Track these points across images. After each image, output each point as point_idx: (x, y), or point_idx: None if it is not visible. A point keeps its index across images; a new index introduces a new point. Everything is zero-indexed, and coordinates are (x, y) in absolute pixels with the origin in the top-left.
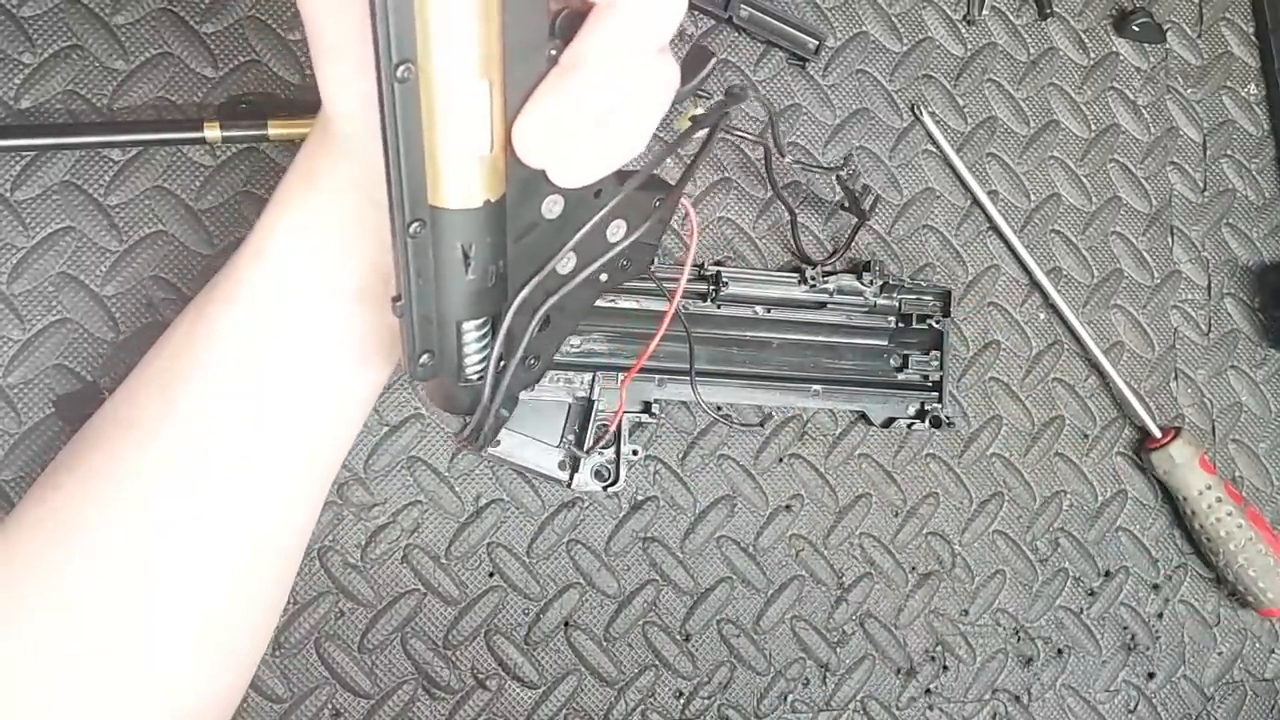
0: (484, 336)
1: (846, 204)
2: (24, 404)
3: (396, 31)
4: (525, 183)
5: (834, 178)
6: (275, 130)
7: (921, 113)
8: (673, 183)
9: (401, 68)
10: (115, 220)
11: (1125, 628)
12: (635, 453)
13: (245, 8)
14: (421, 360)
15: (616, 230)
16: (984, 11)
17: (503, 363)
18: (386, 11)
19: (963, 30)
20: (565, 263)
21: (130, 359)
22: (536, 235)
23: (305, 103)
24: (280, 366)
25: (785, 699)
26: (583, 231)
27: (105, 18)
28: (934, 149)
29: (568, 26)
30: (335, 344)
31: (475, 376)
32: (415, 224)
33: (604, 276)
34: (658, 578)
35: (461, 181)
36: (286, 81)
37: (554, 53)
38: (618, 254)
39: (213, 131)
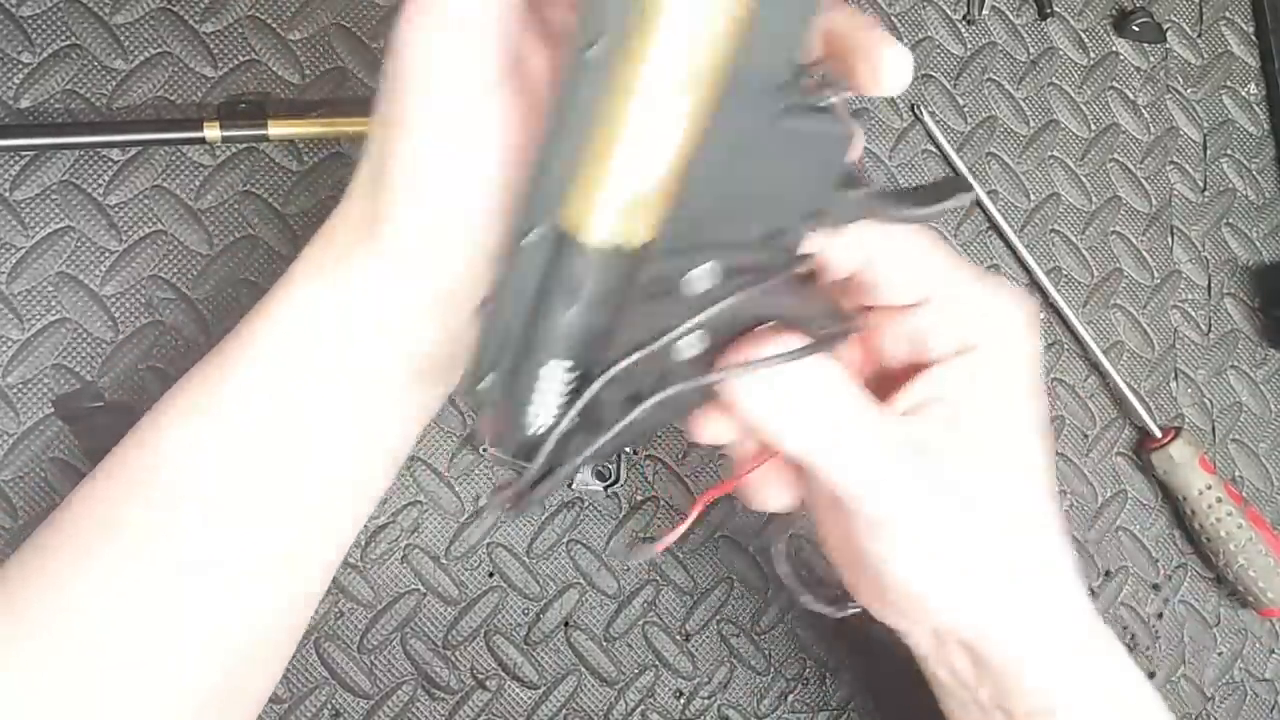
0: (567, 387)
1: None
2: (23, 404)
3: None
4: (680, 238)
5: None
6: (275, 130)
7: (921, 113)
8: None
9: (600, 43)
10: (115, 220)
11: (1125, 628)
12: (635, 452)
13: (245, 8)
14: (484, 382)
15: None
16: (984, 11)
17: (571, 429)
18: None
19: (963, 30)
20: (690, 347)
21: (130, 359)
22: (667, 305)
23: (305, 102)
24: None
25: (785, 699)
26: (716, 309)
27: (105, 17)
28: (934, 149)
29: (822, 82)
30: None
31: (534, 429)
32: (535, 232)
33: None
34: (657, 578)
35: (608, 209)
36: (286, 81)
37: (787, 106)
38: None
39: (212, 131)
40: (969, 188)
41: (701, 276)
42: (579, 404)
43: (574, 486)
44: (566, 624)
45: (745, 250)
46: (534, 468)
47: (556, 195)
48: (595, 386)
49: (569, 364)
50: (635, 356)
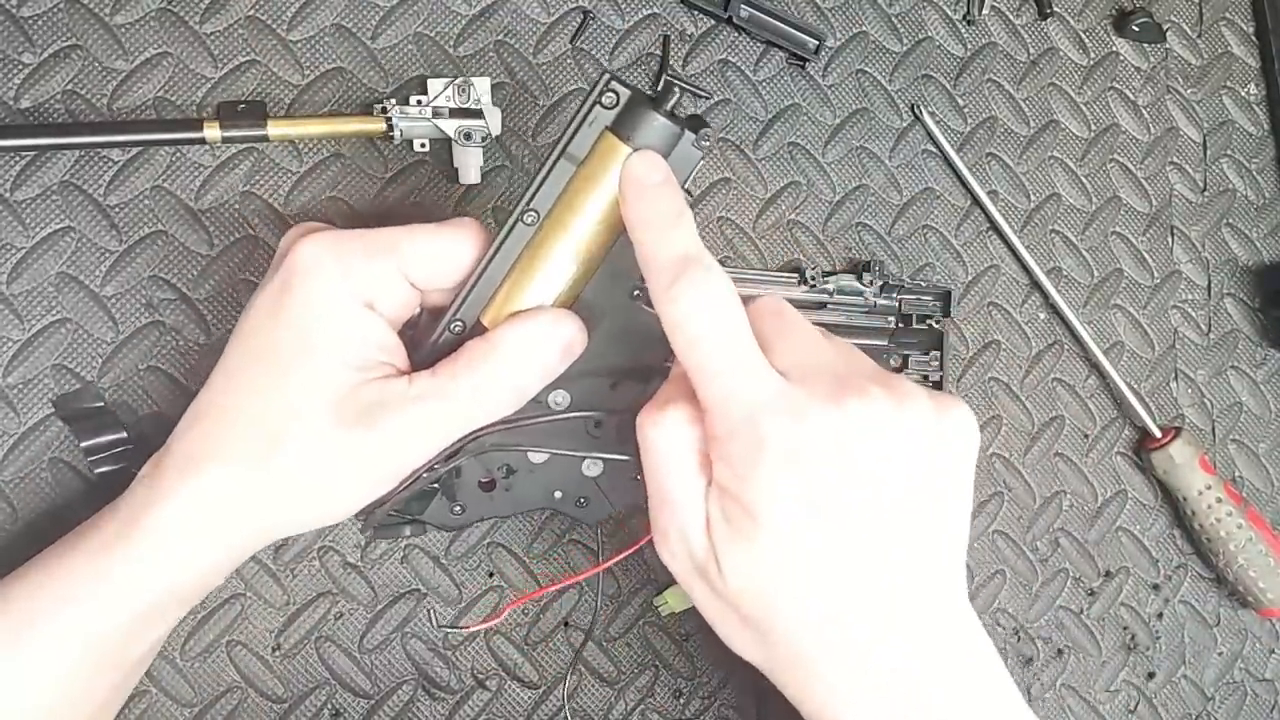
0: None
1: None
2: (24, 404)
3: (548, 191)
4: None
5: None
6: (275, 130)
7: (921, 113)
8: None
9: (530, 214)
10: (115, 220)
11: (1125, 628)
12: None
13: (245, 8)
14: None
15: (592, 466)
16: (984, 11)
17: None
18: (546, 178)
19: (963, 30)
20: (539, 456)
21: (130, 359)
22: (528, 408)
23: (305, 102)
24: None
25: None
26: (541, 419)
27: (105, 18)
28: (934, 149)
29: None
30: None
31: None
32: (457, 325)
33: (559, 494)
34: (657, 578)
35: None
36: (286, 81)
37: (637, 293)
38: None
39: (212, 131)
40: None
41: (559, 399)
42: (414, 478)
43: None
44: (566, 624)
45: (599, 380)
46: (387, 506)
47: (480, 303)
48: (443, 453)
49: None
50: (490, 430)
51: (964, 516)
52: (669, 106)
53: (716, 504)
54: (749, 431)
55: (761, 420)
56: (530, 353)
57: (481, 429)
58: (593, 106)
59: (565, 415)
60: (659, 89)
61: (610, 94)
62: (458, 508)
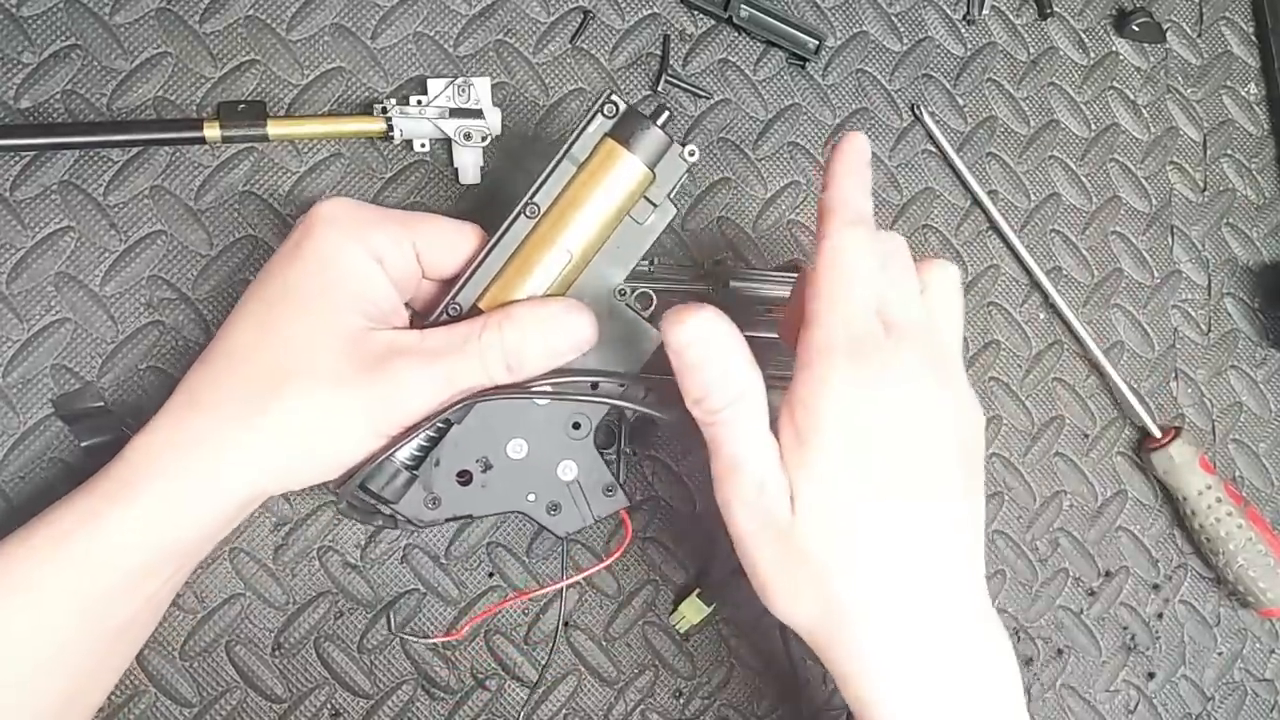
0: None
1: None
2: (23, 404)
3: (550, 188)
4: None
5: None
6: (275, 130)
7: (921, 112)
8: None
9: (531, 208)
10: (115, 220)
11: (1125, 628)
12: (635, 453)
13: (245, 8)
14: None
15: (567, 470)
16: (984, 11)
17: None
18: (549, 177)
19: (963, 30)
20: (518, 450)
21: (130, 359)
22: (503, 409)
23: (305, 102)
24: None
25: (785, 699)
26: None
27: (105, 18)
28: (934, 149)
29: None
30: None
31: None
32: (454, 308)
33: (533, 497)
34: (657, 578)
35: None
36: (286, 81)
37: (620, 293)
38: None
39: (212, 131)
40: None
41: (539, 401)
42: (399, 446)
43: None
44: (566, 624)
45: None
46: (365, 470)
47: (479, 288)
48: (414, 435)
49: (443, 424)
50: (462, 404)
51: (983, 509)
52: (661, 122)
53: (789, 426)
54: (844, 347)
55: (862, 339)
56: (542, 331)
57: (480, 394)
58: (595, 115)
59: (586, 373)
60: (655, 107)
61: (611, 105)
62: (431, 499)
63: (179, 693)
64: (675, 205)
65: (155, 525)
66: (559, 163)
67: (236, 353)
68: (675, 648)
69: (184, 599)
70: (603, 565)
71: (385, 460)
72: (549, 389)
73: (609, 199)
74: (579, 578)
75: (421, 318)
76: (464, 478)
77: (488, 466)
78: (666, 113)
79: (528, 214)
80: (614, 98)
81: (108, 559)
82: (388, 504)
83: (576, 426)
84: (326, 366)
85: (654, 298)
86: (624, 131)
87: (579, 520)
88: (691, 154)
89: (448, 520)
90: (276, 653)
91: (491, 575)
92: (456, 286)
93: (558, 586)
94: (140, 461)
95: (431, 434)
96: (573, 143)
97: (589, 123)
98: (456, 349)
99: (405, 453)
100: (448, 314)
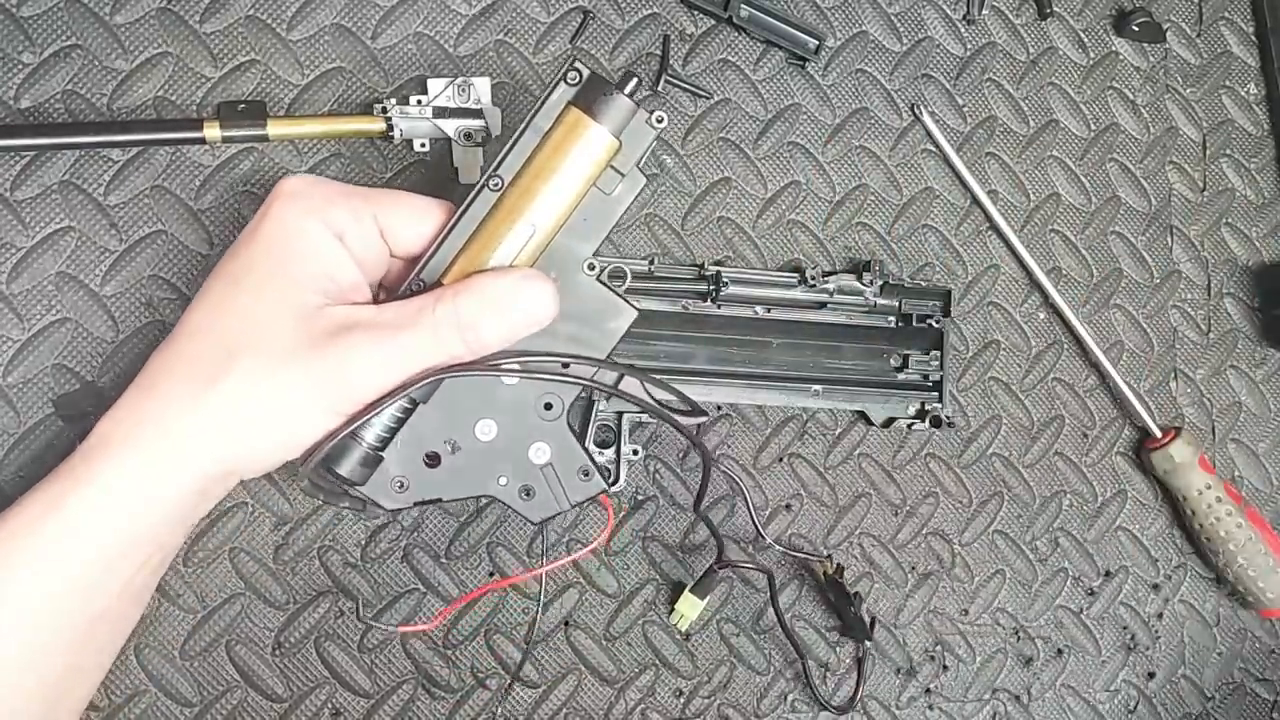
0: (394, 420)
1: (844, 625)
2: (24, 403)
3: (513, 159)
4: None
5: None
6: (275, 130)
7: (921, 112)
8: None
9: (495, 180)
10: (115, 220)
11: (1125, 628)
12: (635, 452)
13: (245, 8)
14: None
15: (540, 452)
16: (984, 11)
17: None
18: (513, 147)
19: (962, 30)
20: (487, 431)
21: (130, 359)
22: (474, 391)
23: (305, 102)
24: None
25: (785, 698)
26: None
27: (105, 17)
28: (933, 148)
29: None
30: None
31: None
32: (418, 283)
33: (504, 480)
34: (657, 577)
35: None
36: (286, 81)
37: (588, 267)
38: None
39: (212, 131)
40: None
41: (509, 380)
42: (358, 424)
43: None
44: (567, 623)
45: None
46: (324, 449)
47: (444, 263)
48: (374, 413)
49: (408, 404)
50: (430, 381)
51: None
52: (628, 91)
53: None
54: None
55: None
56: (499, 303)
57: (441, 370)
58: (557, 84)
59: (554, 356)
60: (622, 74)
61: (574, 73)
62: (398, 483)
63: (179, 693)
64: (644, 175)
65: (117, 506)
66: (523, 133)
67: (196, 332)
68: (675, 647)
69: (184, 599)
70: (586, 551)
71: (350, 442)
72: (516, 367)
73: (574, 169)
74: (558, 564)
75: (393, 298)
76: (432, 460)
77: (456, 448)
78: (635, 79)
79: (491, 186)
80: (577, 64)
81: (75, 543)
82: (353, 486)
83: (548, 407)
84: (278, 342)
85: (627, 273)
86: (588, 99)
87: (554, 505)
88: (660, 120)
89: (416, 504)
90: (277, 652)
91: (492, 575)
92: (421, 262)
93: (536, 573)
94: (99, 445)
95: (398, 415)
96: (536, 112)
97: (552, 91)
98: (410, 322)
99: (372, 435)
100: (411, 290)
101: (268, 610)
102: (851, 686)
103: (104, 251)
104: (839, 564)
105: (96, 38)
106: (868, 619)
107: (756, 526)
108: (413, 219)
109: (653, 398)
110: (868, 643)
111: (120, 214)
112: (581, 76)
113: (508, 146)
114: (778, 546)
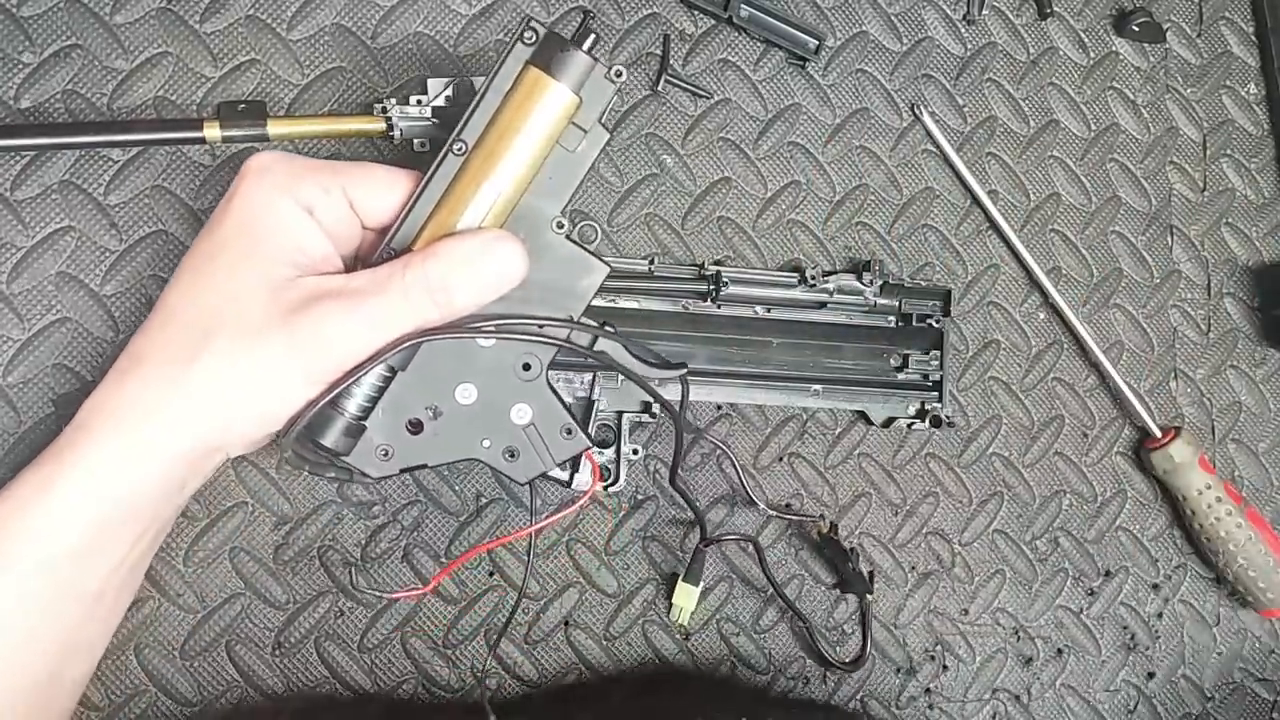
0: (375, 389)
1: (843, 582)
2: (24, 403)
3: (476, 123)
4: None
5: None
6: (275, 130)
7: (921, 112)
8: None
9: (459, 144)
10: (115, 220)
11: (1125, 627)
12: (635, 452)
13: (245, 8)
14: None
15: (521, 413)
16: (984, 11)
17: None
18: (475, 111)
19: (962, 30)
20: (467, 395)
21: None
22: (455, 356)
23: (305, 102)
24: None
25: (785, 698)
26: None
27: (105, 17)
28: (933, 148)
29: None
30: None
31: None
32: (389, 252)
33: (488, 443)
34: (657, 576)
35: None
36: (286, 81)
37: (557, 225)
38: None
39: (212, 131)
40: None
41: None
42: (335, 392)
43: (574, 486)
44: (567, 623)
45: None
46: (303, 419)
47: (413, 230)
48: (351, 381)
49: (387, 371)
50: (408, 345)
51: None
52: (586, 46)
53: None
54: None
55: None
56: (467, 263)
57: (416, 334)
58: (514, 44)
59: (528, 319)
60: (579, 28)
61: (530, 32)
62: (383, 450)
63: (179, 692)
64: (607, 129)
65: (103, 483)
66: (483, 96)
67: (173, 311)
68: (675, 647)
69: (184, 599)
70: (572, 509)
71: (332, 412)
72: (491, 329)
73: (536, 128)
74: (546, 522)
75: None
76: (415, 427)
77: (438, 414)
78: (593, 35)
79: (455, 151)
80: (533, 24)
81: (65, 520)
82: (337, 456)
83: (527, 368)
84: (251, 317)
85: (598, 229)
86: (545, 57)
87: (539, 465)
88: (618, 74)
89: (402, 471)
90: (277, 652)
91: (492, 575)
92: (390, 231)
93: (526, 533)
94: (81, 424)
95: (377, 383)
96: (495, 73)
97: (510, 51)
98: (380, 288)
99: (353, 405)
100: (382, 259)
101: (268, 610)
102: (852, 686)
103: (104, 251)
104: (832, 521)
105: (96, 38)
106: (865, 571)
107: (745, 490)
108: (381, 190)
109: (632, 353)
110: (869, 596)
111: (120, 214)
112: (538, 35)
113: (470, 110)
114: (770, 511)
